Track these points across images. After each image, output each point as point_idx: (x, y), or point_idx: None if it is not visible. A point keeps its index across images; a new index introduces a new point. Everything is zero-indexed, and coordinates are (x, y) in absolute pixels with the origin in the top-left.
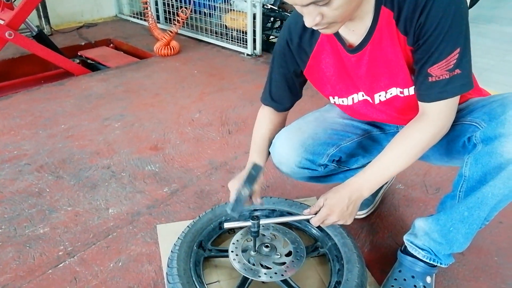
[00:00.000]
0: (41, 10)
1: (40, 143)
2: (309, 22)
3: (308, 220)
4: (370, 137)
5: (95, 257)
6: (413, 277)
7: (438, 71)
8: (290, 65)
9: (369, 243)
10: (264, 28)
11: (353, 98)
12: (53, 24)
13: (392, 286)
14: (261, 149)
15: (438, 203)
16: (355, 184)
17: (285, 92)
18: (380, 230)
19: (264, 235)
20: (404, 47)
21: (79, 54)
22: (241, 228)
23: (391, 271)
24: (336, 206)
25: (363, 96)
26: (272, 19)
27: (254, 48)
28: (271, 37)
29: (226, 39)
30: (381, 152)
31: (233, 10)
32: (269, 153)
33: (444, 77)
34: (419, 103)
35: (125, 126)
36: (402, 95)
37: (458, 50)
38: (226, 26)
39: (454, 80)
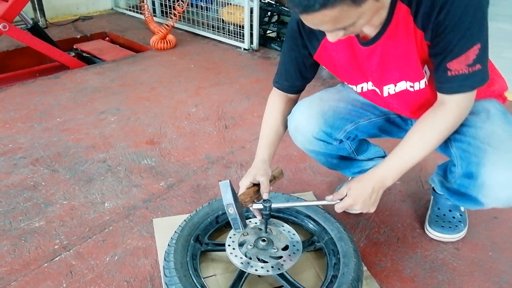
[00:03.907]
0: (36, 3)
1: (35, 137)
2: (331, 39)
3: (328, 205)
4: (388, 120)
5: (91, 250)
6: (450, 210)
7: (457, 65)
8: (301, 48)
9: (365, 238)
10: (261, 23)
11: (362, 87)
12: (48, 17)
13: (437, 221)
14: (269, 142)
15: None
16: (378, 174)
17: (296, 74)
18: (376, 224)
19: (260, 229)
20: (421, 42)
21: (74, 47)
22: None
23: (430, 210)
24: (360, 197)
25: (372, 86)
26: (269, 13)
27: (251, 42)
28: (268, 31)
29: (223, 33)
30: (401, 140)
31: (230, 4)
32: (277, 145)
33: (463, 72)
34: (438, 93)
35: (121, 120)
36: (412, 89)
37: (478, 45)
38: (223, 20)
39: (474, 75)
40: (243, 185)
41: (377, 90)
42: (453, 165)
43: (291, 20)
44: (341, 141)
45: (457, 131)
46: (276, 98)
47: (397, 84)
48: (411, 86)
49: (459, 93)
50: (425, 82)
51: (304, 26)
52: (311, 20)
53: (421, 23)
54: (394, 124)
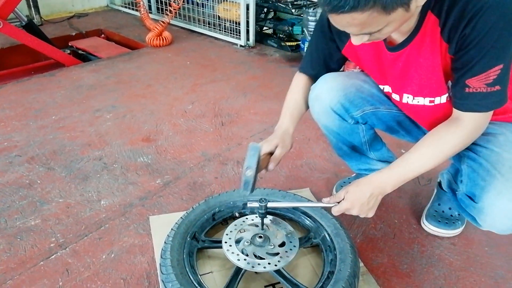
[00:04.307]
0: (30, 0)
1: (30, 135)
2: (356, 42)
3: (325, 208)
4: (409, 117)
5: (87, 248)
6: (450, 208)
7: (476, 83)
8: (328, 41)
9: (361, 234)
10: (257, 19)
11: (384, 88)
12: (43, 14)
13: (434, 216)
14: (293, 113)
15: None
16: (379, 180)
17: (321, 65)
18: (373, 220)
19: (257, 226)
20: (445, 55)
21: (70, 44)
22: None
23: (429, 204)
24: (357, 201)
25: (390, 91)
26: (265, 9)
27: (247, 39)
28: (265, 28)
29: (219, 30)
30: (410, 149)
31: (226, 0)
32: (299, 119)
33: (481, 90)
34: (453, 108)
35: (116, 118)
36: (431, 104)
37: (501, 66)
38: (219, 17)
39: (491, 96)
40: (263, 150)
41: (396, 95)
42: (460, 180)
43: (320, 15)
44: (356, 121)
45: (472, 150)
46: (302, 78)
47: (415, 98)
48: (430, 101)
49: (474, 112)
50: (447, 97)
51: None
52: (339, 21)
53: (447, 35)
54: (414, 123)
